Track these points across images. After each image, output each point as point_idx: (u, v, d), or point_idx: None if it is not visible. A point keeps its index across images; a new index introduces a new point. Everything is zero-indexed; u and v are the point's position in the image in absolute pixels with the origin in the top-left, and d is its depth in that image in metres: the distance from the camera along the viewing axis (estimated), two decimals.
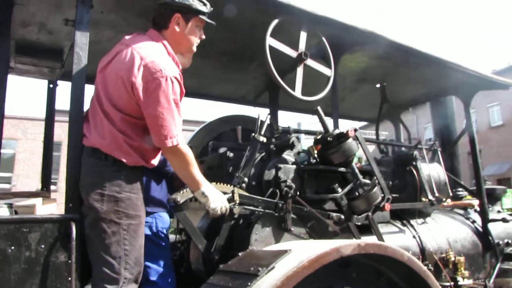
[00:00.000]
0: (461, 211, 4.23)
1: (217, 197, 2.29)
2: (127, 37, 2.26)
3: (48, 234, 1.96)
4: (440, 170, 3.94)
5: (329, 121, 3.12)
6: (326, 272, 2.07)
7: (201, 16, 2.29)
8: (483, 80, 4.14)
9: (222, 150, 2.98)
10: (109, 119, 2.10)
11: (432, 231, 3.65)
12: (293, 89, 2.87)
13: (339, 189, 2.93)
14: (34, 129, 23.36)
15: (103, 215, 2.01)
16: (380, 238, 3.03)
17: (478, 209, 4.15)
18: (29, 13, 2.61)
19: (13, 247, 1.88)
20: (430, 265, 3.36)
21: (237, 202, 2.45)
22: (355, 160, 3.10)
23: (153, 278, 2.61)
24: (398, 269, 2.30)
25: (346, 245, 2.10)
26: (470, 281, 3.47)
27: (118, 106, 2.10)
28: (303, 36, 2.92)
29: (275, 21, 2.75)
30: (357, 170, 2.98)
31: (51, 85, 3.48)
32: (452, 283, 3.37)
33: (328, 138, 2.93)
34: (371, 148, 4.11)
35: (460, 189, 4.55)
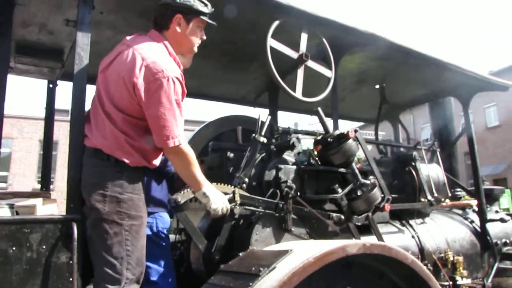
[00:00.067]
0: (460, 211, 4.26)
1: (218, 198, 2.29)
2: (128, 37, 2.26)
3: (50, 234, 1.96)
4: (439, 170, 3.97)
5: (329, 122, 3.13)
6: (328, 272, 2.08)
7: (202, 17, 2.30)
8: (482, 81, 4.16)
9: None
10: (111, 119, 2.10)
11: (431, 231, 3.66)
12: (294, 90, 2.88)
13: (339, 190, 2.94)
14: (30, 128, 23.33)
15: (105, 216, 2.01)
16: (379, 238, 3.04)
17: (476, 209, 4.18)
18: (30, 14, 2.61)
19: (14, 248, 1.88)
20: (429, 265, 3.38)
21: (238, 202, 2.46)
22: (355, 160, 3.12)
23: (154, 278, 2.61)
24: (400, 270, 2.31)
25: (352, 244, 2.12)
26: (469, 281, 3.48)
27: (119, 107, 2.10)
28: (303, 37, 2.93)
29: (276, 22, 2.75)
30: (357, 171, 2.99)
31: (51, 85, 3.47)
32: (450, 283, 3.39)
33: (329, 139, 2.94)
34: (370, 148, 4.12)
35: (458, 189, 4.58)
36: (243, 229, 2.62)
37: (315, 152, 3.02)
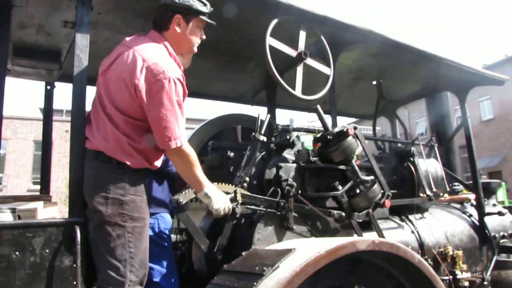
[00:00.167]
0: (458, 206, 4.28)
1: (220, 198, 2.30)
2: (127, 38, 2.25)
3: (53, 238, 1.96)
4: (437, 165, 3.99)
5: (327, 119, 3.13)
6: (334, 271, 2.09)
7: (201, 17, 2.29)
8: (478, 76, 4.18)
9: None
10: (112, 121, 2.09)
11: (430, 226, 3.68)
12: (292, 88, 2.88)
13: (340, 187, 2.94)
14: (24, 128, 23.16)
15: (108, 218, 2.01)
16: (380, 234, 3.06)
17: (474, 203, 4.20)
18: (28, 15, 2.59)
19: (17, 252, 1.87)
20: (429, 259, 3.40)
21: (240, 202, 2.46)
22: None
23: (156, 279, 2.61)
24: (405, 269, 2.32)
25: (361, 240, 2.15)
26: (468, 274, 3.50)
27: (121, 109, 2.09)
28: (302, 35, 2.92)
29: (275, 21, 2.75)
30: (357, 168, 2.99)
31: (49, 87, 3.45)
32: (451, 277, 3.41)
33: (328, 137, 2.94)
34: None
35: (456, 183, 4.59)
36: (244, 228, 2.62)
37: (315, 149, 3.02)
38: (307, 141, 3.43)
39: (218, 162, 2.94)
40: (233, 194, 2.45)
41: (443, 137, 4.83)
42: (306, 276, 1.90)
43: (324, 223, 2.86)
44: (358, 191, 3.00)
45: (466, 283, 3.44)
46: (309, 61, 2.96)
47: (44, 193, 3.14)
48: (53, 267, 1.94)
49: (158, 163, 2.24)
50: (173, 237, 3.29)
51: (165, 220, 2.77)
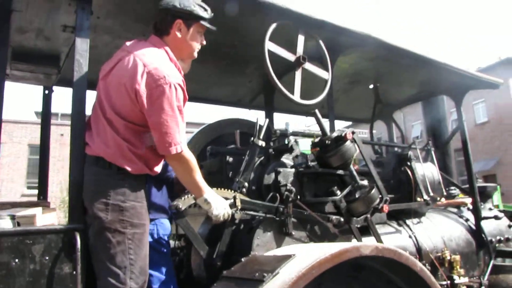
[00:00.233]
0: (455, 210, 4.30)
1: (220, 204, 2.30)
2: (128, 43, 2.24)
3: (52, 245, 1.94)
4: (434, 169, 4.01)
5: (325, 123, 3.14)
6: (335, 276, 2.10)
7: (202, 22, 2.29)
8: (473, 79, 4.21)
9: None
10: (113, 126, 2.08)
11: (427, 231, 3.70)
12: (290, 92, 2.87)
13: (338, 192, 2.95)
14: (19, 132, 23.01)
15: (108, 225, 2.00)
16: (378, 239, 3.06)
17: (471, 207, 4.22)
18: (27, 20, 2.58)
19: (17, 260, 1.85)
20: (427, 264, 3.41)
21: (239, 207, 2.46)
22: None
23: (155, 285, 2.61)
24: (405, 275, 2.33)
25: (365, 246, 2.17)
26: (466, 279, 3.52)
27: (121, 114, 2.08)
28: (300, 40, 2.93)
29: (273, 26, 2.75)
30: (355, 173, 3.00)
31: (47, 91, 3.43)
32: (448, 282, 3.42)
33: (326, 141, 2.95)
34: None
35: (452, 187, 4.62)
36: (244, 234, 2.62)
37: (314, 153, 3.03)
38: (304, 144, 3.44)
39: (217, 167, 2.94)
40: (232, 200, 2.45)
41: (439, 140, 4.86)
42: (311, 278, 1.91)
43: (323, 228, 2.86)
44: (356, 196, 3.01)
45: None
46: (308, 66, 2.97)
47: (42, 199, 3.12)
48: (53, 274, 1.92)
49: (158, 168, 2.24)
50: (172, 243, 3.28)
51: (164, 226, 2.77)
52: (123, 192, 2.05)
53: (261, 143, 2.75)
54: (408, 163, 3.76)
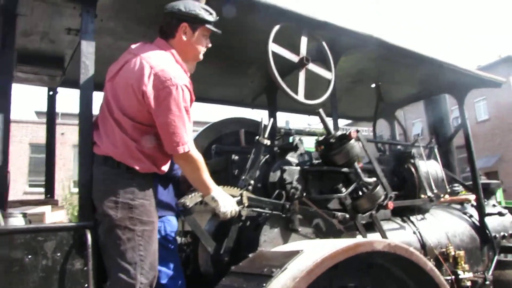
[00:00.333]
0: (458, 206, 4.32)
1: (227, 201, 2.33)
2: (133, 46, 2.28)
3: (64, 242, 1.98)
4: (437, 167, 4.03)
5: (329, 122, 3.17)
6: (347, 269, 2.12)
7: (207, 26, 2.32)
8: (476, 78, 4.24)
9: None
10: (121, 127, 2.12)
11: (431, 227, 3.73)
12: (293, 92, 2.90)
13: (343, 189, 2.98)
14: (20, 131, 23.08)
15: (118, 222, 2.03)
16: (384, 235, 3.09)
17: (474, 203, 4.24)
18: (32, 23, 2.61)
19: (30, 256, 1.89)
20: (431, 259, 3.43)
21: (246, 204, 2.49)
22: None
23: (164, 281, 2.64)
24: (415, 273, 2.35)
25: (378, 241, 2.22)
26: (470, 274, 3.54)
27: (129, 114, 2.12)
28: (303, 41, 2.96)
29: (277, 27, 2.77)
30: (359, 170, 3.03)
31: (51, 92, 3.47)
32: (453, 277, 3.45)
33: (331, 140, 2.98)
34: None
35: (456, 184, 4.64)
36: (250, 231, 2.65)
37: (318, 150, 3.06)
38: (307, 142, 3.46)
39: (222, 165, 2.97)
40: (239, 197, 2.48)
41: (442, 138, 4.88)
42: (325, 268, 1.95)
43: (328, 225, 2.89)
44: (361, 193, 3.04)
45: (468, 283, 3.48)
46: (311, 66, 3.00)
47: (49, 197, 3.15)
48: (64, 270, 1.96)
49: (165, 167, 2.27)
50: (178, 239, 3.31)
51: (171, 223, 2.80)
52: (132, 191, 2.09)
53: (266, 141, 2.78)
54: (412, 161, 3.79)
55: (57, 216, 2.46)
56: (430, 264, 2.33)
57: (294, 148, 3.01)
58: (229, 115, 4.03)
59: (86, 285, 1.98)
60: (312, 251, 2.10)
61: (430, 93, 4.82)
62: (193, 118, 2.21)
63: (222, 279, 2.20)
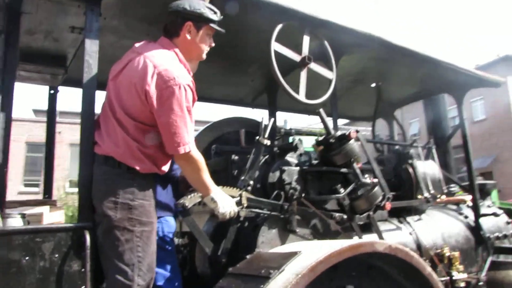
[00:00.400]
0: (454, 207, 4.34)
1: (226, 202, 2.33)
2: (137, 44, 2.27)
3: (62, 243, 1.97)
4: (435, 167, 4.04)
5: (329, 122, 3.17)
6: (347, 269, 2.13)
7: (211, 25, 2.32)
8: (475, 78, 4.23)
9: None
10: (122, 127, 2.11)
11: (427, 228, 3.74)
12: (294, 91, 2.90)
13: (341, 190, 2.98)
14: (16, 129, 22.93)
15: (117, 223, 2.03)
16: (380, 237, 3.10)
17: (470, 204, 4.26)
18: (36, 22, 2.60)
19: (27, 257, 1.88)
20: (426, 260, 3.45)
21: (245, 205, 2.49)
22: None
23: (160, 282, 2.63)
24: (413, 276, 2.36)
25: (379, 243, 2.23)
26: (465, 275, 3.56)
27: (131, 114, 2.11)
28: (306, 40, 2.94)
29: (279, 26, 2.76)
30: (358, 171, 3.03)
31: (52, 91, 3.45)
32: (448, 278, 3.47)
33: (330, 140, 2.98)
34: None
35: (452, 185, 4.65)
36: (248, 232, 2.65)
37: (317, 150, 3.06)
38: (306, 142, 3.46)
39: (222, 165, 2.97)
40: (238, 198, 2.48)
41: (440, 138, 4.89)
42: (324, 269, 1.96)
43: (325, 226, 2.89)
44: (359, 193, 3.04)
45: (462, 284, 3.50)
46: (313, 66, 2.99)
47: (47, 197, 3.14)
48: (62, 272, 1.95)
49: (166, 168, 2.27)
50: (175, 240, 3.31)
51: (169, 224, 2.80)
52: (132, 191, 2.08)
53: (266, 141, 2.78)
54: (410, 161, 3.80)
55: (55, 217, 2.45)
56: (429, 269, 2.34)
57: (294, 148, 3.01)
58: (229, 115, 4.02)
59: (83, 286, 1.97)
60: (310, 252, 2.11)
61: (429, 93, 4.82)
62: (194, 118, 2.21)
63: (219, 280, 2.21)
